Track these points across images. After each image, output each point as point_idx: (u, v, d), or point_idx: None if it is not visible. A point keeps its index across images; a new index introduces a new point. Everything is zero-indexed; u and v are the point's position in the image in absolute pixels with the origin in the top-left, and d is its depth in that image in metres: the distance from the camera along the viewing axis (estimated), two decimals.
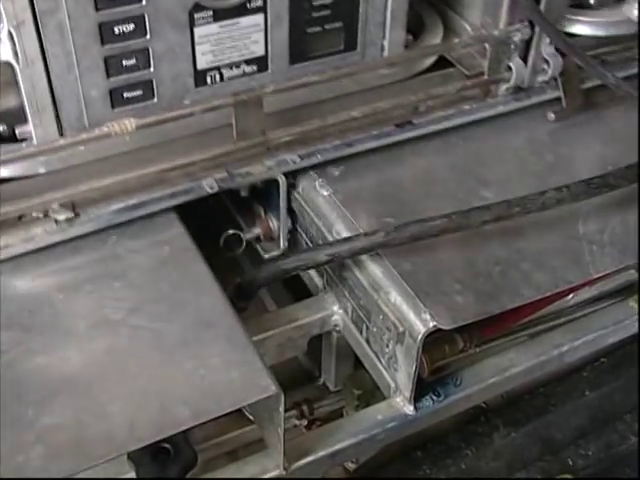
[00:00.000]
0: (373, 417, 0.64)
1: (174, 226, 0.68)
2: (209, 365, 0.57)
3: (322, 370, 0.85)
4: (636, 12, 0.83)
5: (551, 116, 0.80)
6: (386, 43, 0.78)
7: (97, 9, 0.63)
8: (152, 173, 0.67)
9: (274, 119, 0.72)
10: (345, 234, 0.67)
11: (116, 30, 0.65)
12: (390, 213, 0.68)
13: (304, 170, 0.72)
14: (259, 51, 0.72)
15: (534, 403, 0.95)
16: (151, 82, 0.69)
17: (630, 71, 0.84)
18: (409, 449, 0.88)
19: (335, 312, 0.71)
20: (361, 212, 0.68)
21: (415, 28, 0.83)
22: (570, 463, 0.96)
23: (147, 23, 0.66)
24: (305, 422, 0.83)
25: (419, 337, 0.59)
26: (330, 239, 0.68)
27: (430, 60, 0.82)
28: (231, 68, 0.72)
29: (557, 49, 0.78)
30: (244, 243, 0.74)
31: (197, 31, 0.69)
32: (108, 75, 0.67)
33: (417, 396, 0.64)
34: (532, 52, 0.78)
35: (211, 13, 0.68)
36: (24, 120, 0.66)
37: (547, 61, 0.79)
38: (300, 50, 0.74)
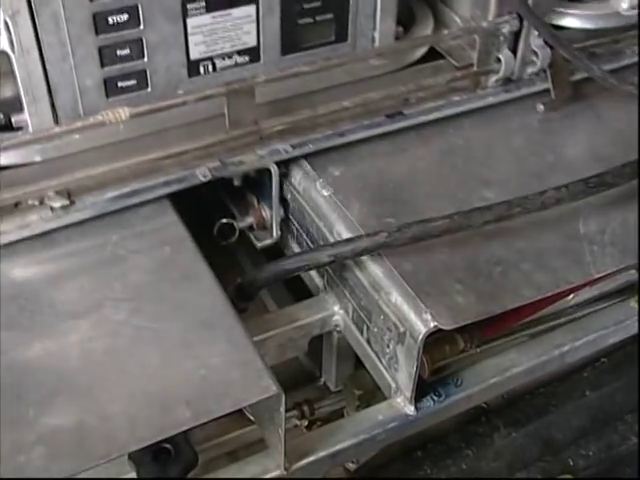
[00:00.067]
0: (374, 417, 0.64)
1: (168, 214, 0.69)
2: (210, 365, 0.57)
3: (323, 370, 0.85)
4: (624, 5, 0.85)
5: (540, 107, 0.81)
6: (376, 34, 0.80)
7: None
8: (146, 161, 0.68)
9: (266, 109, 0.73)
10: (346, 235, 0.66)
11: (110, 20, 0.66)
12: (391, 213, 0.68)
13: (296, 159, 0.73)
14: (251, 42, 0.74)
15: (535, 403, 0.95)
16: (145, 72, 0.70)
17: (618, 63, 0.85)
18: (410, 449, 0.88)
19: (336, 312, 0.71)
20: (362, 212, 0.68)
21: (406, 20, 0.85)
22: (571, 463, 0.96)
23: (141, 13, 0.67)
24: (306, 422, 0.83)
25: (420, 337, 0.59)
26: (331, 240, 0.68)
27: (420, 52, 0.83)
28: (224, 59, 0.73)
29: (546, 41, 0.79)
30: (237, 232, 0.75)
31: (190, 22, 0.70)
32: (102, 65, 0.68)
33: (418, 396, 0.64)
34: (521, 44, 0.79)
35: (204, 4, 0.70)
36: (20, 109, 0.68)
37: (536, 53, 0.80)
38: (292, 41, 0.75)
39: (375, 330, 0.65)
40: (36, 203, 0.65)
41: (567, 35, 0.82)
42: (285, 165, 0.73)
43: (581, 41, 0.84)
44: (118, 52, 0.68)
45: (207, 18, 0.71)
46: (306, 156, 0.73)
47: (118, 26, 0.67)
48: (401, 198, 0.71)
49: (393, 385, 0.65)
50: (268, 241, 0.76)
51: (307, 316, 0.71)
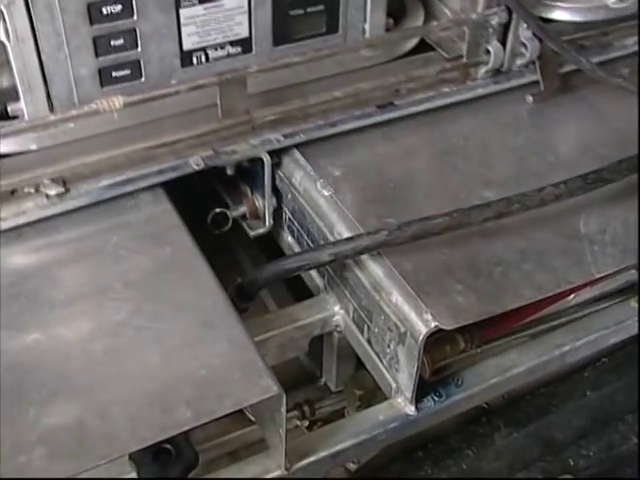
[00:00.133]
0: (374, 417, 0.64)
1: (161, 202, 0.69)
2: (211, 365, 0.57)
3: (323, 370, 0.85)
4: None
5: (529, 99, 0.82)
6: (367, 26, 0.81)
7: None
8: (140, 150, 0.70)
9: (259, 100, 0.74)
10: (347, 235, 0.66)
11: (104, 11, 0.68)
12: (391, 212, 0.68)
13: (288, 149, 0.74)
14: (243, 33, 0.75)
15: (535, 403, 0.95)
16: (139, 62, 0.71)
17: (606, 56, 0.86)
18: (410, 449, 0.88)
19: (336, 312, 0.71)
20: (363, 212, 0.68)
21: (396, 13, 0.85)
22: (571, 463, 0.96)
23: (134, 4, 0.68)
24: (306, 422, 0.83)
25: (420, 337, 0.59)
26: (331, 239, 0.68)
27: (411, 44, 0.84)
28: (216, 49, 0.74)
29: (535, 33, 0.80)
30: (230, 221, 0.76)
31: (183, 12, 0.71)
32: (97, 54, 0.69)
33: (418, 396, 0.64)
34: (510, 36, 0.80)
35: None
36: (16, 98, 0.69)
37: (525, 45, 0.81)
38: (283, 32, 0.77)
39: (376, 330, 0.65)
40: (32, 191, 0.66)
41: (556, 28, 0.83)
42: (277, 155, 0.74)
43: (570, 34, 0.85)
44: (112, 42, 0.69)
45: (199, 9, 0.72)
46: (298, 146, 0.74)
47: (112, 16, 0.68)
48: (402, 197, 0.71)
49: (394, 385, 0.65)
50: (261, 230, 0.77)
51: (308, 316, 0.71)
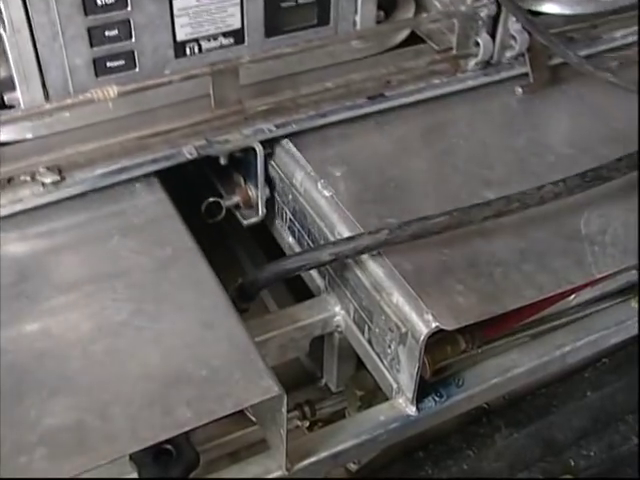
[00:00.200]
0: (375, 418, 0.64)
1: (156, 191, 0.70)
2: (211, 366, 0.57)
3: (324, 371, 0.85)
4: None
5: (519, 90, 0.83)
6: (358, 18, 0.82)
7: None
8: (134, 139, 0.71)
9: (251, 90, 0.76)
10: (347, 235, 0.66)
11: (99, 1, 0.69)
12: (391, 212, 0.68)
13: (280, 140, 0.75)
14: (235, 24, 0.76)
15: (536, 404, 0.95)
16: (133, 52, 0.73)
17: (595, 49, 0.87)
18: (411, 450, 0.88)
19: (337, 313, 0.71)
20: (363, 213, 0.68)
21: (387, 5, 0.87)
22: (572, 464, 0.96)
23: None
24: (307, 423, 0.83)
25: (421, 338, 0.59)
26: (332, 240, 0.68)
27: (401, 36, 0.85)
28: (209, 40, 0.76)
29: (524, 26, 0.81)
30: (224, 210, 0.77)
31: (176, 4, 0.72)
32: (92, 45, 0.71)
33: (419, 397, 0.64)
34: (500, 28, 0.81)
35: None
36: (12, 88, 0.70)
37: (514, 37, 0.82)
38: (275, 24, 0.78)
39: (376, 331, 0.65)
40: (28, 179, 0.67)
41: (546, 20, 0.84)
42: (270, 145, 0.75)
43: (559, 26, 0.86)
44: (106, 33, 0.71)
45: (192, 0, 0.73)
46: (290, 136, 0.75)
47: (106, 7, 0.69)
48: (402, 197, 0.71)
49: (394, 386, 0.65)
50: (254, 219, 0.78)
51: (308, 317, 0.71)
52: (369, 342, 0.67)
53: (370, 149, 0.76)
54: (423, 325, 0.59)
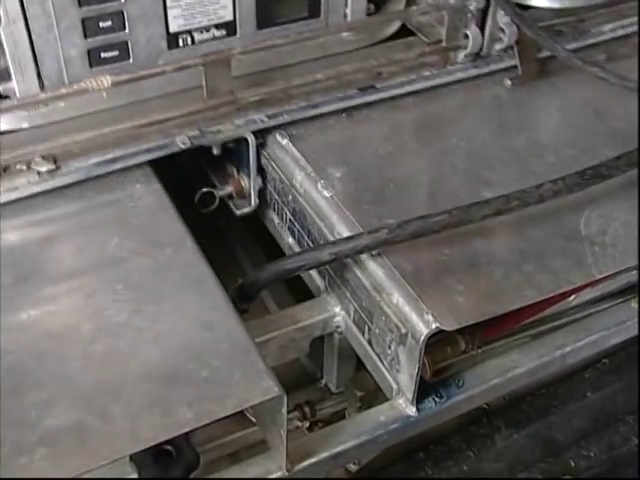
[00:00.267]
0: (375, 418, 0.64)
1: (150, 182, 0.71)
2: (211, 366, 0.57)
3: (324, 372, 0.85)
4: None
5: (507, 82, 0.84)
6: (348, 11, 0.84)
7: None
8: (128, 129, 0.72)
9: (244, 82, 0.77)
10: (347, 235, 0.66)
11: None
12: (391, 212, 0.68)
13: (272, 130, 0.76)
14: (227, 16, 0.77)
15: (536, 404, 0.95)
16: (126, 43, 0.74)
17: (583, 42, 0.88)
18: (411, 450, 0.88)
19: (337, 314, 0.71)
20: (363, 212, 0.68)
21: None
22: (572, 464, 0.96)
23: None
24: (307, 424, 0.83)
25: (421, 338, 0.59)
26: (332, 240, 0.68)
27: (392, 28, 0.87)
28: (202, 32, 0.77)
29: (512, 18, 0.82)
30: (217, 200, 0.78)
31: None
32: (86, 36, 0.72)
33: (419, 397, 0.64)
34: (489, 21, 0.82)
35: None
36: (8, 78, 0.71)
37: (503, 30, 0.83)
38: (267, 16, 0.79)
39: (376, 331, 0.65)
40: (24, 168, 0.68)
41: (535, 14, 0.85)
42: (262, 135, 0.76)
43: (548, 20, 0.87)
44: (100, 24, 0.72)
45: None
46: (282, 127, 0.76)
47: None
48: (401, 196, 0.71)
49: (395, 386, 0.65)
50: (247, 209, 0.79)
51: (308, 317, 0.71)
52: (369, 343, 0.67)
53: (362, 144, 0.76)
54: (423, 326, 0.59)
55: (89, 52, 0.73)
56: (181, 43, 0.77)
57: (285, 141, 0.75)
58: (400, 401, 0.65)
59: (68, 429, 0.52)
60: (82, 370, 0.56)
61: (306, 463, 0.61)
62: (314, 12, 0.82)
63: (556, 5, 0.87)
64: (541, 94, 0.84)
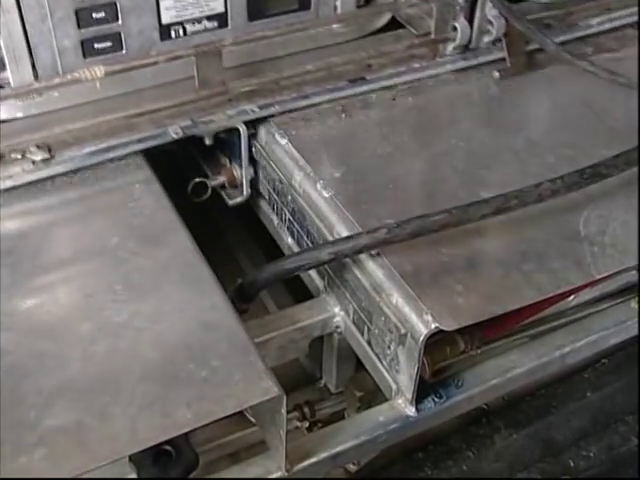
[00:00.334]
0: (375, 419, 0.64)
1: (143, 170, 0.72)
2: (211, 367, 0.57)
3: (323, 372, 0.85)
4: None
5: (496, 75, 0.85)
6: (338, 3, 0.85)
7: None
8: (121, 118, 0.74)
9: (236, 73, 0.79)
10: (346, 235, 0.66)
11: None
12: (391, 212, 0.68)
13: (264, 121, 0.77)
14: (219, 8, 0.79)
15: (535, 404, 0.95)
16: (119, 34, 0.75)
17: (571, 35, 0.90)
18: (410, 450, 0.88)
19: (336, 314, 0.71)
20: (362, 212, 0.68)
21: None
22: (571, 464, 0.96)
23: None
24: (307, 424, 0.83)
25: (421, 339, 0.59)
26: (331, 240, 0.68)
27: (382, 21, 0.88)
28: (193, 24, 0.78)
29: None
30: (209, 190, 0.79)
31: None
32: (79, 26, 0.73)
33: (419, 398, 0.64)
34: (477, 13, 0.83)
35: None
36: (3, 68, 0.72)
37: (491, 22, 0.84)
38: (258, 8, 0.81)
39: (376, 331, 0.65)
40: (19, 156, 0.70)
41: (523, 7, 0.87)
42: (254, 126, 0.77)
43: (536, 12, 0.89)
44: (94, 15, 0.73)
45: None
46: (273, 117, 0.77)
47: None
48: (401, 196, 0.71)
49: (394, 386, 0.65)
50: (239, 199, 0.80)
51: (308, 317, 0.71)
52: (368, 343, 0.67)
53: (360, 144, 0.77)
54: (422, 326, 0.59)
55: (83, 43, 0.74)
56: (173, 34, 0.78)
57: (284, 141, 0.75)
58: (399, 401, 0.65)
59: (67, 429, 0.52)
60: (82, 370, 0.56)
61: (305, 463, 0.61)
62: (305, 4, 0.83)
63: None
64: (529, 86, 0.85)
